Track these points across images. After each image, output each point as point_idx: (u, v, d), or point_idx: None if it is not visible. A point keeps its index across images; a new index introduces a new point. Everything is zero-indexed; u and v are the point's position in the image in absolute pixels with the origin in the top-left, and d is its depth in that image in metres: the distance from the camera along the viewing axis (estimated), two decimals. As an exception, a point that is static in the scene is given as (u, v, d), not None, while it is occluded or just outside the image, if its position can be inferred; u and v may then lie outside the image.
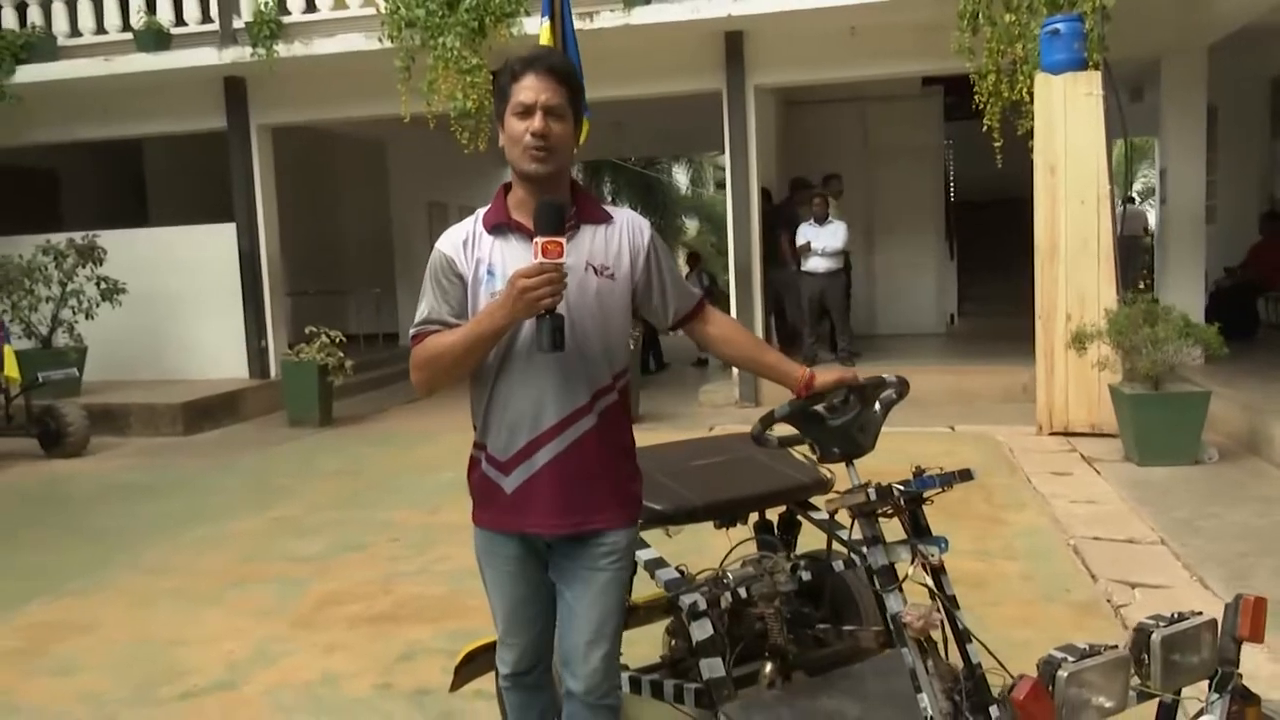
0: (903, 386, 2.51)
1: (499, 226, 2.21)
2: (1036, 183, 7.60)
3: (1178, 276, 8.94)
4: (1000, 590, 4.42)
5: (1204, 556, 4.67)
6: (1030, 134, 7.82)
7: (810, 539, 3.11)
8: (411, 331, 2.25)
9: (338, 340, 9.58)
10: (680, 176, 26.90)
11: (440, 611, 4.44)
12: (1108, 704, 1.88)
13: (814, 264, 10.15)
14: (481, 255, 2.20)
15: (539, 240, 1.98)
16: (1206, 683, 2.01)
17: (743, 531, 3.11)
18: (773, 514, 3.19)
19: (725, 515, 2.98)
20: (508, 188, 2.27)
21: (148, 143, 13.08)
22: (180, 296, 10.88)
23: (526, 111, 2.14)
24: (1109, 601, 4.23)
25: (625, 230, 2.28)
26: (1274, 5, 7.37)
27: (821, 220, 10.18)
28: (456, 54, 8.87)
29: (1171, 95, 8.98)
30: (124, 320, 10.29)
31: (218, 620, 4.53)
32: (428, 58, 8.99)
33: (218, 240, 10.87)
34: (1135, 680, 1.96)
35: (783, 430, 2.53)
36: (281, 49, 9.66)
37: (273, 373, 10.76)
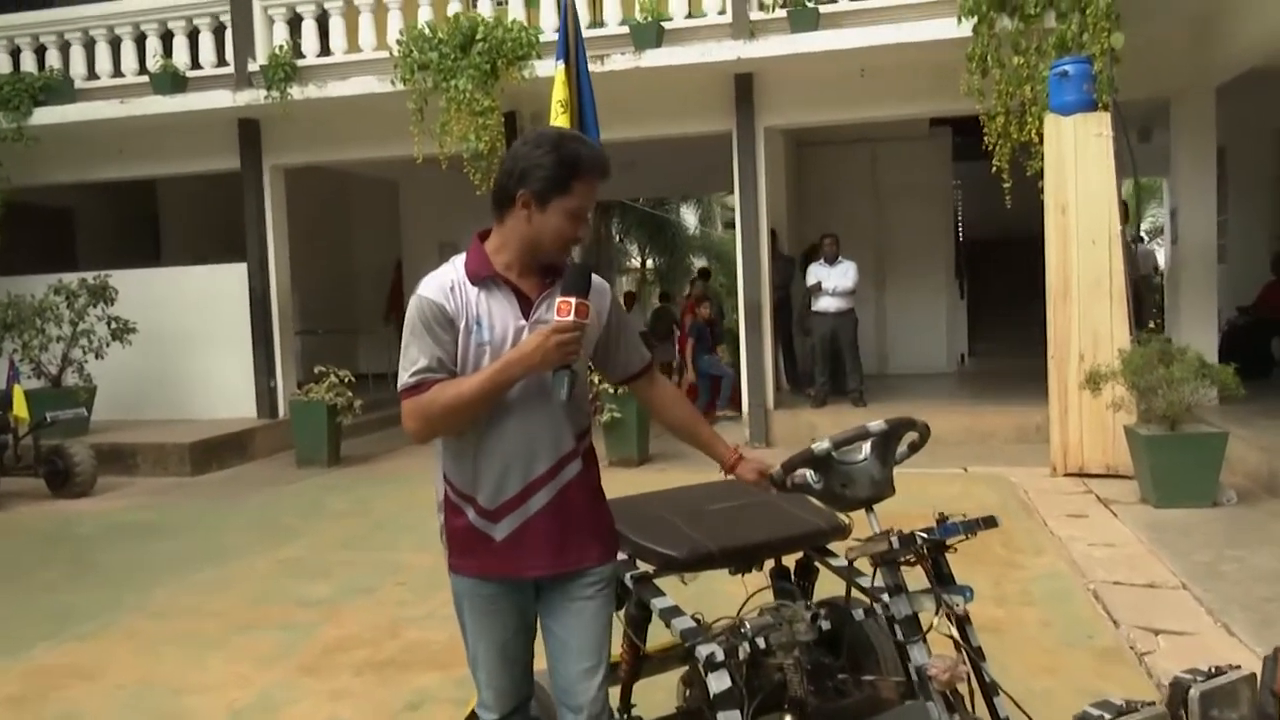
0: (926, 431, 2.47)
1: (485, 279, 2.25)
2: (1048, 223, 7.59)
3: (1190, 316, 8.89)
4: (1020, 637, 4.33)
5: (1227, 601, 4.58)
6: (1040, 174, 7.83)
7: (826, 585, 3.05)
8: (411, 381, 2.20)
9: (347, 380, 9.57)
10: (689, 216, 26.99)
11: (448, 657, 4.35)
12: (1145, 763, 1.82)
13: (825, 304, 10.12)
14: (469, 303, 2.24)
15: (573, 300, 2.14)
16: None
17: (758, 578, 3.05)
18: (789, 559, 3.13)
19: (742, 561, 2.92)
20: (483, 236, 2.33)
21: (162, 183, 13.20)
22: (190, 336, 10.89)
23: (580, 214, 2.23)
24: (1132, 649, 4.14)
25: (595, 289, 2.34)
26: (1277, 49, 7.39)
27: (832, 260, 10.17)
28: (469, 96, 8.96)
29: (1181, 136, 8.99)
30: (134, 359, 10.30)
31: (223, 666, 4.46)
32: (440, 100, 9.08)
33: (229, 279, 10.91)
34: (1172, 737, 1.90)
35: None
36: (296, 91, 9.77)
37: (281, 412, 10.75)
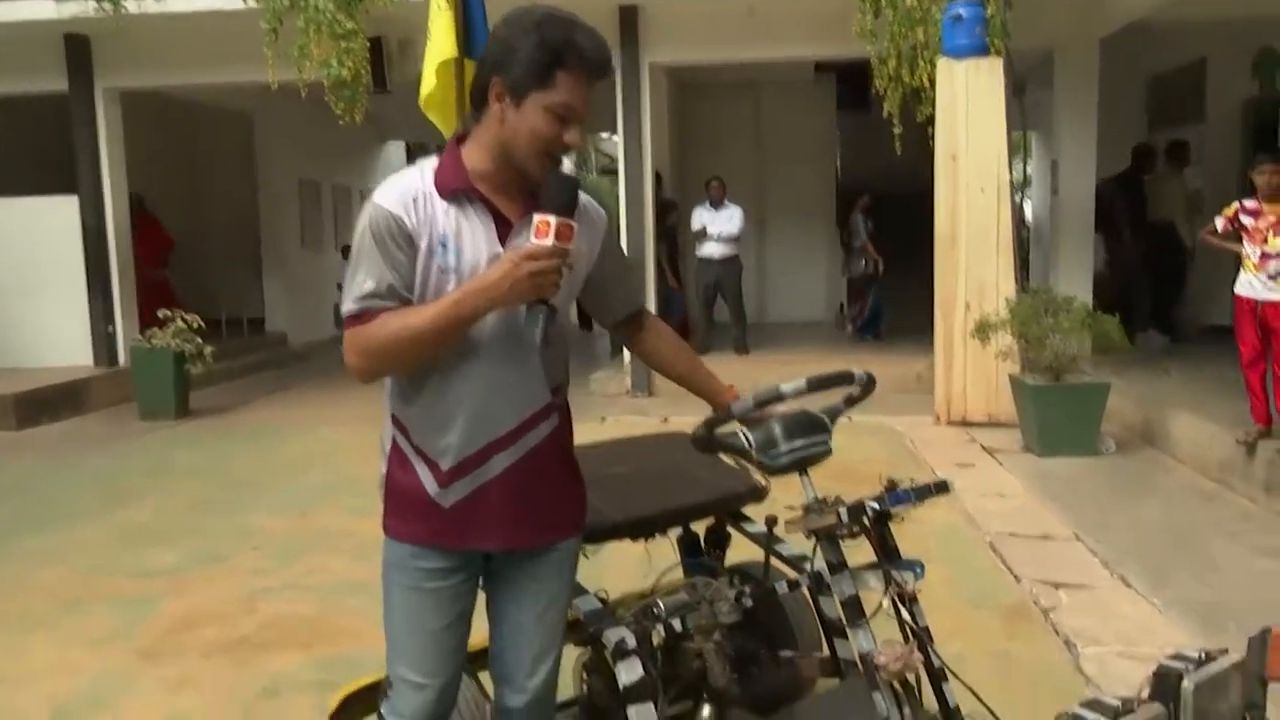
0: (869, 385, 2.20)
1: (457, 193, 1.85)
2: (938, 170, 7.47)
3: (1069, 268, 9.00)
4: (926, 597, 4.15)
5: (1121, 553, 4.56)
6: (929, 121, 7.70)
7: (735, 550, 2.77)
8: (354, 308, 1.82)
9: (196, 325, 8.78)
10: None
11: (311, 634, 3.92)
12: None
13: (709, 249, 9.87)
14: (434, 220, 1.83)
15: (552, 220, 1.71)
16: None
17: (661, 544, 2.73)
18: (699, 525, 2.82)
19: (651, 531, 2.60)
20: (460, 139, 1.92)
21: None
22: (14, 275, 9.82)
23: (569, 117, 1.81)
24: (1036, 604, 4.04)
25: (586, 216, 1.96)
26: (1163, 3, 7.42)
27: (717, 204, 9.90)
28: (330, 17, 8.21)
29: (1064, 89, 9.01)
30: (-53, 302, 9.22)
31: (47, 651, 3.89)
32: (298, 20, 8.28)
33: (58, 213, 9.85)
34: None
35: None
36: (131, 4, 8.76)
37: (122, 360, 9.85)
